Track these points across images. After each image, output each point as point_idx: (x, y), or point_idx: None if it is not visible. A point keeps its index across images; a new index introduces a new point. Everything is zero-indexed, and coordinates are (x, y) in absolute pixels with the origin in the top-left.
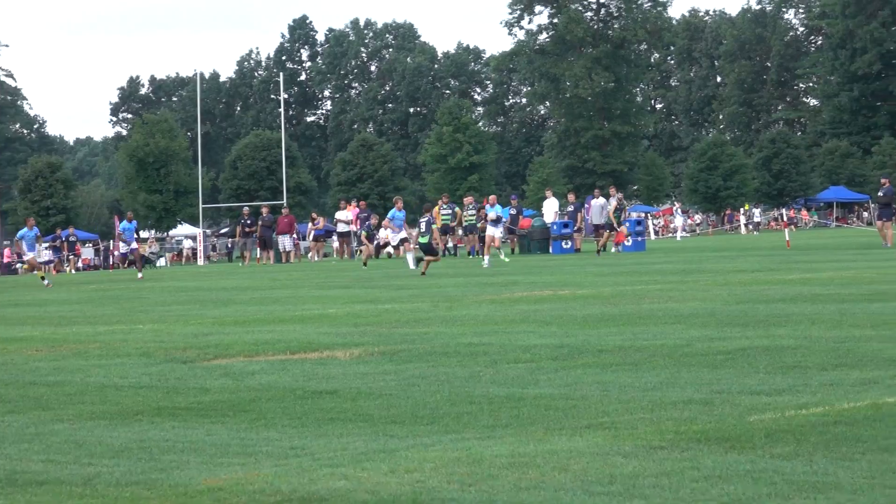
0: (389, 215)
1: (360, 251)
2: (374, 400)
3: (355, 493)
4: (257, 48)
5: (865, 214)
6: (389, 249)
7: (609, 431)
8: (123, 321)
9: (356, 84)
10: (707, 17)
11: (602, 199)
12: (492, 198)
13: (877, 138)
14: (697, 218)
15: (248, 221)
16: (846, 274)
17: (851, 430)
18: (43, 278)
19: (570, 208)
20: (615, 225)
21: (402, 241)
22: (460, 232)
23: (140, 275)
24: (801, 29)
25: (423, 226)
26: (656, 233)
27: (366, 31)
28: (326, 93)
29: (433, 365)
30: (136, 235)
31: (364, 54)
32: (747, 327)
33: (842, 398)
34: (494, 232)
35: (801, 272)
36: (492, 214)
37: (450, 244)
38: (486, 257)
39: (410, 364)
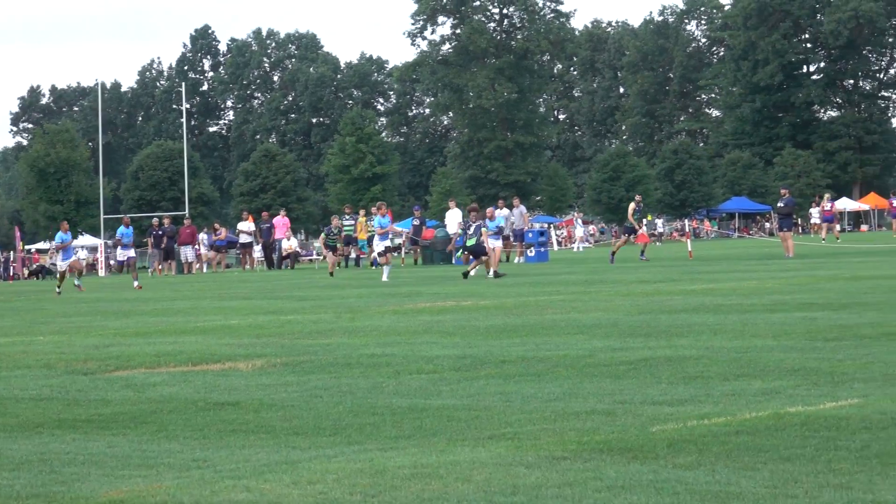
0: (376, 223)
1: (324, 259)
2: (276, 411)
3: None
4: (159, 58)
5: (767, 225)
6: (371, 256)
7: (512, 442)
8: (24, 333)
9: (259, 94)
10: (610, 29)
11: (506, 210)
12: (489, 210)
13: (778, 149)
14: (596, 228)
15: (160, 232)
16: (748, 284)
17: (753, 439)
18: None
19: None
20: (636, 228)
21: (386, 249)
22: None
23: (137, 283)
24: (704, 40)
25: (472, 229)
26: (559, 243)
27: (268, 41)
28: (229, 103)
29: (336, 376)
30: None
31: (266, 64)
32: (650, 338)
33: (744, 408)
34: (496, 244)
35: (703, 283)
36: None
37: (352, 255)
38: (491, 270)
39: (313, 375)
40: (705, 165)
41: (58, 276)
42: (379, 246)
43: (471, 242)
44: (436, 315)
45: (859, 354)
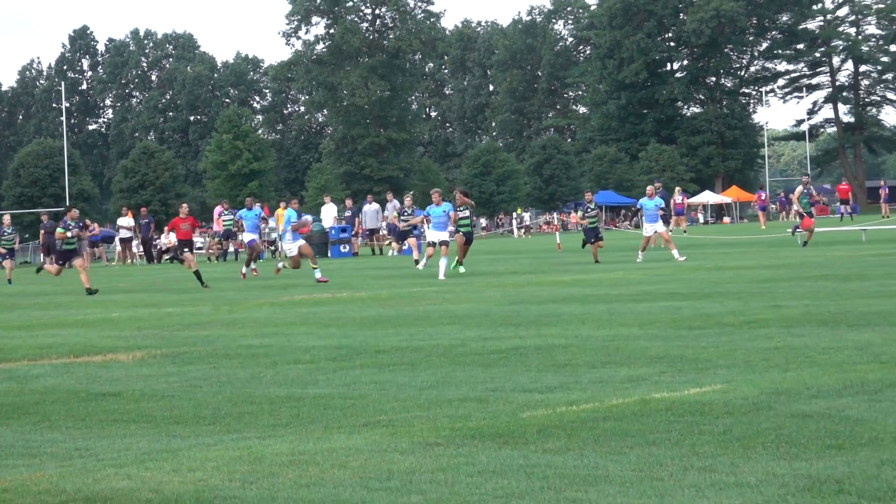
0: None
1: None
2: (156, 401)
3: (139, 492)
4: (38, 58)
5: (634, 218)
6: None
7: (387, 429)
8: None
9: (137, 93)
10: (479, 28)
11: (376, 205)
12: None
13: (643, 144)
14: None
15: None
16: (614, 276)
17: (620, 424)
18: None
19: (348, 213)
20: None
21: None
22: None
23: (253, 266)
24: (571, 39)
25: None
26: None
27: (146, 42)
28: (108, 102)
29: (215, 367)
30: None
31: (144, 64)
32: (520, 327)
33: (611, 394)
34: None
35: (571, 274)
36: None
37: (231, 249)
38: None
39: (192, 366)
40: (573, 160)
41: None
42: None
43: (464, 227)
44: (312, 307)
45: (721, 342)
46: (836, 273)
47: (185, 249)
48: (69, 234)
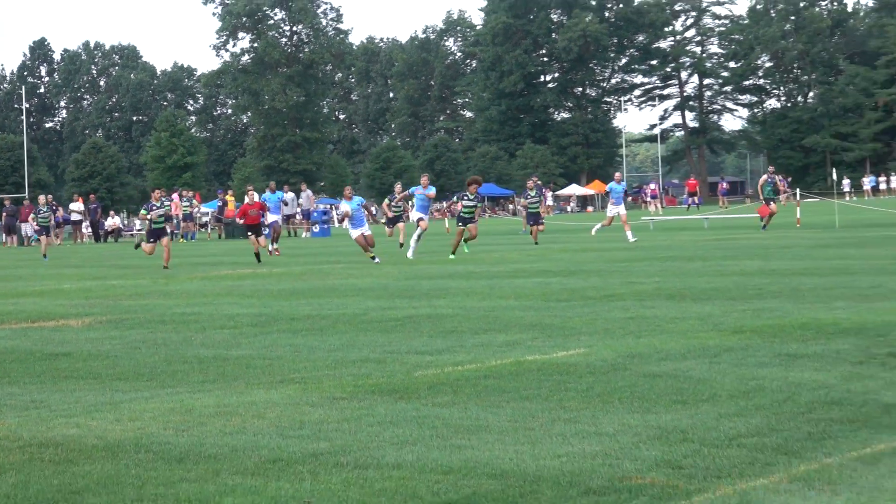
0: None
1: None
2: (101, 360)
3: (86, 438)
4: (2, 65)
5: (511, 206)
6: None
7: (299, 385)
8: None
9: (88, 96)
10: (381, 43)
11: (291, 194)
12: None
13: (520, 144)
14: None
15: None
16: (494, 255)
17: (498, 382)
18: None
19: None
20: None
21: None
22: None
23: (275, 246)
24: (459, 54)
25: (470, 200)
26: (340, 221)
27: (96, 52)
28: (62, 103)
29: (152, 331)
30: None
31: (94, 71)
32: (413, 299)
33: (491, 357)
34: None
35: (458, 254)
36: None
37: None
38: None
39: (133, 330)
40: (460, 157)
41: None
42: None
43: (467, 214)
44: (236, 281)
45: (585, 313)
46: (682, 255)
47: (250, 233)
48: (150, 215)
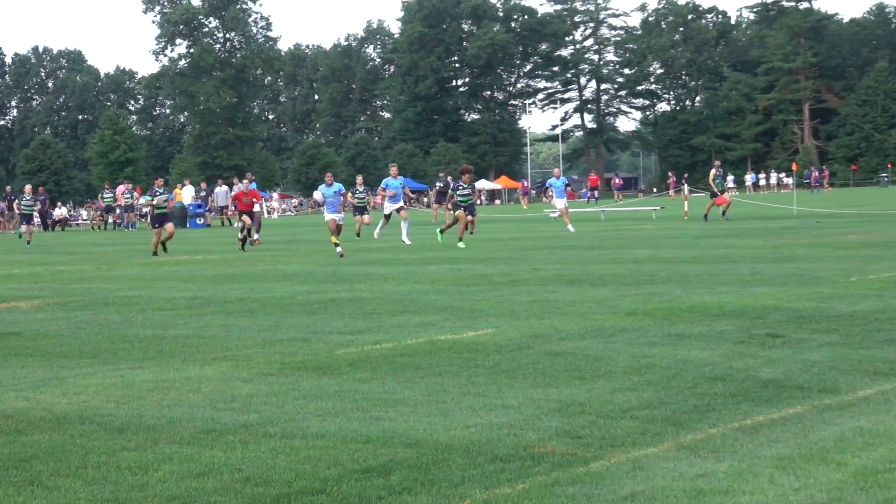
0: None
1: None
2: (49, 339)
3: (34, 411)
4: None
5: (425, 199)
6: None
7: (231, 362)
8: None
9: (37, 97)
10: (308, 50)
11: (226, 187)
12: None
13: (434, 143)
14: (296, 201)
15: None
16: (416, 244)
17: (413, 360)
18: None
19: (203, 193)
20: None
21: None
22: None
23: (257, 237)
24: (378, 60)
25: (463, 189)
26: (269, 213)
27: (44, 56)
28: (13, 103)
29: (96, 312)
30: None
31: (43, 73)
32: (336, 283)
33: (406, 336)
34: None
35: (377, 243)
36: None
37: (110, 220)
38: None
39: (78, 312)
40: (379, 154)
41: None
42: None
43: (463, 202)
44: (173, 266)
45: (492, 296)
46: (581, 244)
47: (247, 215)
48: (154, 200)
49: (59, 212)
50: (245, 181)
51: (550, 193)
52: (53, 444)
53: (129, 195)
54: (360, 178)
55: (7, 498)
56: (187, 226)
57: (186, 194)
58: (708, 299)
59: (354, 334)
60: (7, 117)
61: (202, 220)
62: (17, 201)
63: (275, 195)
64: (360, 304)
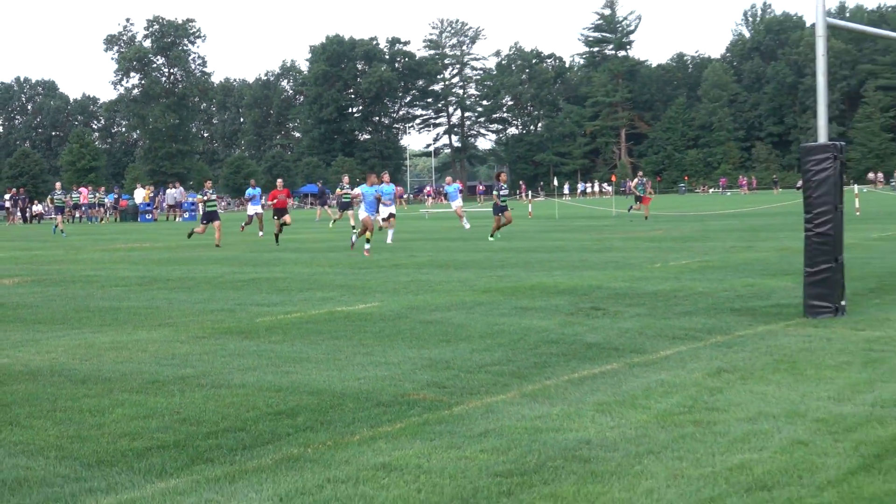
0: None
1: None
2: (26, 309)
3: (14, 366)
4: None
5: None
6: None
7: (172, 328)
8: None
9: (18, 117)
10: (235, 82)
11: (174, 190)
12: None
13: (334, 157)
14: (227, 202)
15: None
16: (317, 236)
17: (316, 326)
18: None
19: (152, 195)
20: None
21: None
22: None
23: (261, 233)
24: (291, 91)
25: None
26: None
27: (24, 84)
28: None
29: (64, 288)
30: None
31: (24, 98)
32: (256, 266)
33: (311, 308)
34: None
35: (291, 235)
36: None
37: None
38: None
39: (50, 287)
40: (291, 165)
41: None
42: (384, 212)
43: (504, 201)
44: (127, 252)
45: (379, 277)
46: (449, 237)
47: (275, 216)
48: (204, 198)
49: (37, 208)
50: (279, 181)
51: (450, 198)
52: (29, 393)
53: (92, 195)
54: (346, 178)
55: None
56: (138, 220)
57: (139, 195)
58: (545, 280)
59: (270, 306)
60: None
61: (150, 215)
62: (50, 196)
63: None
64: (275, 283)
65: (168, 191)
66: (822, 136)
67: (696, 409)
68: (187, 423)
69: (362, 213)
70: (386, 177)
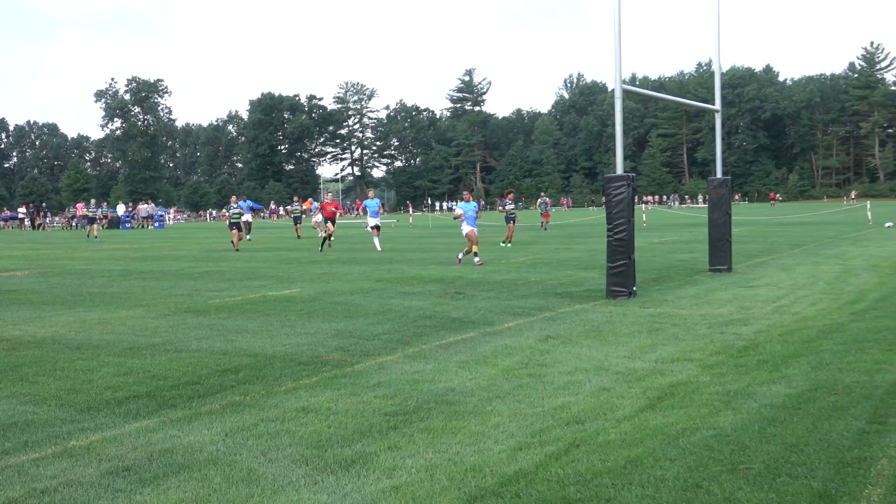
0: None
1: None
2: (35, 294)
3: (24, 336)
4: None
5: (262, 215)
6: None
7: (145, 308)
8: None
9: (28, 150)
10: (193, 126)
11: (146, 205)
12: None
13: (267, 182)
14: (187, 215)
15: None
16: (254, 241)
17: (254, 306)
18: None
19: (130, 209)
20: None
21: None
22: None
23: (249, 237)
24: (235, 133)
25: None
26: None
27: (34, 126)
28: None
29: (65, 278)
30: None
31: (33, 136)
32: (209, 262)
33: (249, 293)
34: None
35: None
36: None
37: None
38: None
39: (53, 278)
40: (236, 188)
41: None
42: (371, 222)
43: (513, 213)
44: (112, 252)
45: (300, 270)
46: (350, 243)
47: (329, 221)
48: (228, 213)
49: (41, 221)
50: (329, 194)
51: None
52: (35, 356)
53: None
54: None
55: (7, 387)
56: (120, 228)
57: (120, 209)
58: (422, 272)
59: (219, 291)
60: (11, 162)
61: (129, 224)
62: (86, 209)
63: (172, 210)
64: (222, 274)
65: (141, 206)
66: (619, 170)
67: (531, 366)
68: (156, 379)
69: (466, 228)
70: (371, 193)
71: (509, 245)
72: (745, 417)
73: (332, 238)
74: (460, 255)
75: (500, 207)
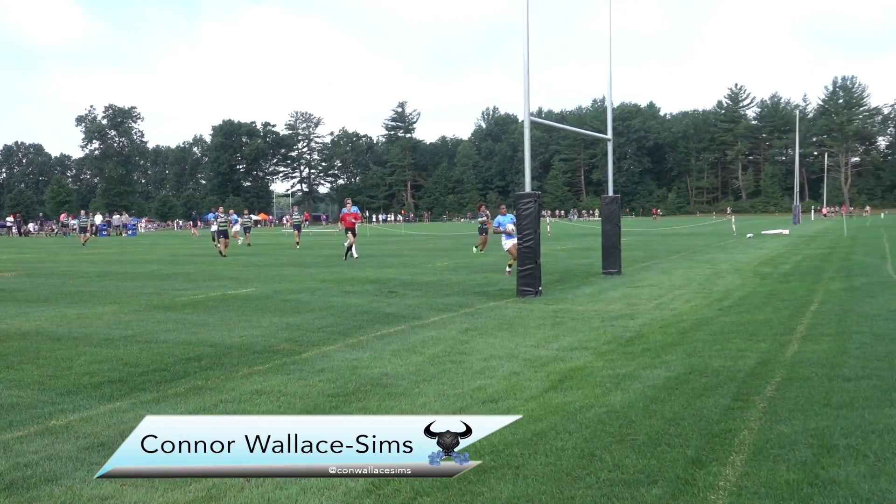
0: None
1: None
2: (20, 292)
3: (10, 330)
4: None
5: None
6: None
7: (119, 304)
8: None
9: (16, 167)
10: (162, 148)
11: (119, 216)
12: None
13: (227, 196)
14: (157, 224)
15: None
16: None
17: (215, 304)
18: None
19: (114, 219)
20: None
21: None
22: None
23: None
24: (199, 154)
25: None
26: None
27: (21, 147)
28: (3, 171)
29: (48, 278)
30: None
31: (20, 155)
32: (176, 265)
33: (212, 291)
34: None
35: (194, 246)
36: (509, 227)
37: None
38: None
39: (39, 278)
40: (200, 202)
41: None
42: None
43: (483, 225)
44: (91, 256)
45: (255, 272)
46: (309, 251)
47: (350, 231)
48: (215, 222)
49: (27, 227)
50: (349, 202)
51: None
52: (20, 347)
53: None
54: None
55: None
56: (97, 235)
57: (97, 219)
58: (360, 274)
59: (184, 290)
60: (0, 178)
61: (105, 232)
62: (77, 220)
63: (143, 221)
64: (188, 276)
65: (115, 216)
66: (528, 188)
67: (453, 353)
68: (128, 366)
69: (508, 243)
70: (348, 201)
71: (481, 252)
72: (632, 396)
73: (355, 247)
74: (508, 269)
75: (475, 220)
